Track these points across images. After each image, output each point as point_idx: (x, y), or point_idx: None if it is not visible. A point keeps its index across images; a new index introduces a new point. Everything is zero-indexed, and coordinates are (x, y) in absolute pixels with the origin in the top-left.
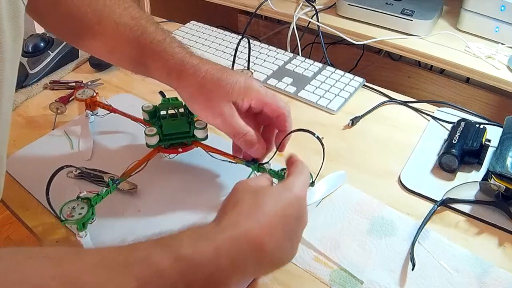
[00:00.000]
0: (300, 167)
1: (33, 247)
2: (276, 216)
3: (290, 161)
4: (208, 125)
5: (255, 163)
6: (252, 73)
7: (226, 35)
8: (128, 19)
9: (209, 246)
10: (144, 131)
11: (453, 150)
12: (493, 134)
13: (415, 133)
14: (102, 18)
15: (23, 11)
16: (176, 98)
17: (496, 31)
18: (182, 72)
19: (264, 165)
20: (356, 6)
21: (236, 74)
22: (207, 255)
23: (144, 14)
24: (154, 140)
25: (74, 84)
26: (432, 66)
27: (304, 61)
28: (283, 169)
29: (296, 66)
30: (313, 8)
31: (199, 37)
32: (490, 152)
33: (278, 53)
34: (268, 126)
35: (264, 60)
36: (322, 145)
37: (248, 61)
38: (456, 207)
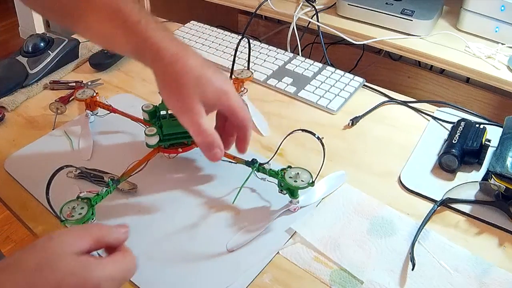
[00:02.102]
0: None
1: None
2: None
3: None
4: None
5: (255, 163)
6: (252, 73)
7: (226, 35)
8: None
9: None
10: (144, 131)
11: (453, 150)
12: (493, 134)
13: (415, 133)
14: None
15: None
16: None
17: (496, 31)
18: (159, 57)
19: (264, 165)
20: (356, 6)
21: (215, 73)
22: None
23: None
24: (154, 140)
25: (74, 84)
26: (432, 66)
27: (304, 61)
28: (283, 169)
29: (296, 66)
30: (313, 8)
31: (199, 37)
32: (490, 152)
33: (278, 53)
34: (229, 122)
35: (264, 60)
36: (323, 145)
37: (248, 61)
38: (456, 207)
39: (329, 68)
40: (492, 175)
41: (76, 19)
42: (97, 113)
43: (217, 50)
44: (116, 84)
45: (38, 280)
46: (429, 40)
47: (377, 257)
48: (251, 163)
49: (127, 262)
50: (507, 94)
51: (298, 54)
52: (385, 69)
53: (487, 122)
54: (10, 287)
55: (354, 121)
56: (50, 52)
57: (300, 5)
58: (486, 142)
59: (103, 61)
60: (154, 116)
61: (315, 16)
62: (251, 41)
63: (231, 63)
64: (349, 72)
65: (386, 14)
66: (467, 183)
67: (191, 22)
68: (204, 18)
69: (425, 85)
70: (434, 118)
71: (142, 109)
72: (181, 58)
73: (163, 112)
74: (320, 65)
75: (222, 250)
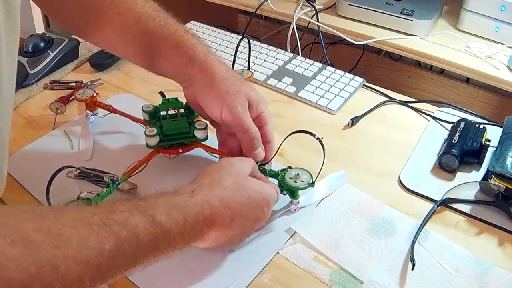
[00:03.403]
0: None
1: (19, 205)
2: (244, 211)
3: None
4: (208, 125)
5: (256, 164)
6: (252, 73)
7: (226, 35)
8: (150, 10)
9: (179, 216)
10: (144, 132)
11: (453, 150)
12: (493, 134)
13: (415, 133)
14: (122, 9)
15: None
16: (176, 99)
17: (496, 31)
18: (207, 61)
19: (264, 165)
20: (356, 6)
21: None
22: (176, 223)
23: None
24: (154, 140)
25: (74, 84)
26: (432, 66)
27: (304, 61)
28: (283, 170)
29: (296, 66)
30: (313, 8)
31: (199, 37)
32: (490, 152)
33: (278, 53)
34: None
35: (264, 60)
36: (323, 146)
37: (248, 61)
38: (456, 207)
39: (329, 68)
40: (492, 175)
41: (103, 33)
42: (97, 113)
43: (217, 50)
44: (116, 84)
45: (237, 195)
46: (429, 40)
47: (377, 257)
48: None
49: (275, 190)
50: (507, 94)
51: (298, 54)
52: (385, 69)
53: (487, 122)
54: (220, 199)
55: (354, 121)
56: (50, 52)
57: (300, 5)
58: (486, 142)
59: (103, 61)
60: (154, 117)
61: (315, 16)
62: (251, 41)
63: (231, 63)
64: (349, 72)
65: (386, 14)
66: (467, 183)
67: (191, 22)
68: (204, 18)
69: (425, 85)
70: (434, 118)
71: (142, 109)
72: (224, 63)
73: (163, 113)
74: (320, 65)
75: None
